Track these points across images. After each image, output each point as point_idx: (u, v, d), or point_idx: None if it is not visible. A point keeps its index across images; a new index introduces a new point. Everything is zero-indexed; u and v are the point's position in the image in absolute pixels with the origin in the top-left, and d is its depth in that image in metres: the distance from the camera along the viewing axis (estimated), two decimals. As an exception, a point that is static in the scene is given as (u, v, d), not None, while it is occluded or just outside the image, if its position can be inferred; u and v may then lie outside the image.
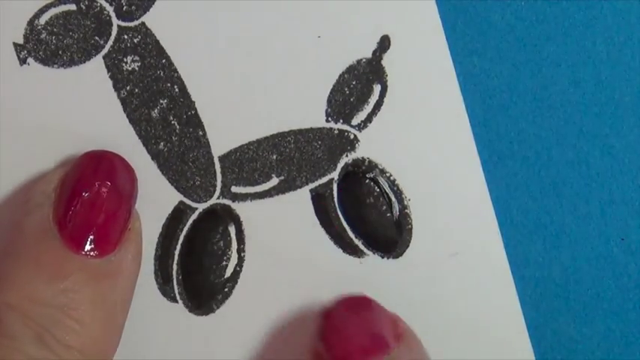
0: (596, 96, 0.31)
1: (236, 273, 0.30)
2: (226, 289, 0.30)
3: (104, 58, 0.29)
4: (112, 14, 0.29)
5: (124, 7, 0.29)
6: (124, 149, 0.29)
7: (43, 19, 0.29)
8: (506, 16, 0.31)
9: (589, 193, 0.31)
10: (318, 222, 0.30)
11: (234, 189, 0.30)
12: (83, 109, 0.29)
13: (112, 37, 0.29)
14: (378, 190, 0.30)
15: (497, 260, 0.30)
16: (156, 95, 0.29)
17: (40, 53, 0.29)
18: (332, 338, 0.28)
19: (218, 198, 0.30)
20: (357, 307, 0.29)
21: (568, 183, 0.31)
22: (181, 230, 0.30)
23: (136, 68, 0.29)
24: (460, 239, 0.30)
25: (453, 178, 0.30)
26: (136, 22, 0.29)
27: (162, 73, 0.29)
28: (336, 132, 0.30)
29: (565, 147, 0.31)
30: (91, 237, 0.26)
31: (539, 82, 0.31)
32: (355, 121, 0.30)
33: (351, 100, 0.30)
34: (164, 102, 0.29)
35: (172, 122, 0.29)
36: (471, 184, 0.30)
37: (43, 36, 0.29)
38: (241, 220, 0.30)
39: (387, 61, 0.30)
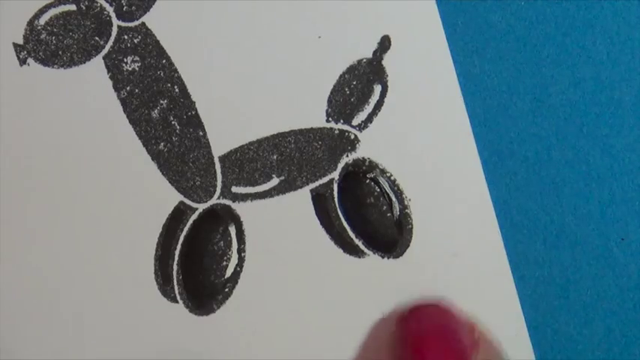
0: (596, 96, 0.31)
1: (236, 273, 0.30)
2: (226, 290, 0.30)
3: (104, 58, 0.29)
4: (112, 14, 0.29)
5: (124, 8, 0.29)
6: (124, 149, 0.29)
7: (43, 20, 0.29)
8: (506, 16, 0.31)
9: (589, 193, 0.31)
10: (318, 222, 0.30)
11: (235, 189, 0.30)
12: (83, 109, 0.29)
13: (112, 38, 0.29)
14: (378, 190, 0.30)
15: (497, 260, 0.30)
16: (156, 95, 0.29)
17: (40, 54, 0.29)
18: (415, 357, 0.27)
19: (218, 198, 0.30)
20: (435, 316, 0.28)
21: (568, 183, 0.31)
22: (181, 230, 0.30)
23: (136, 68, 0.29)
24: (460, 239, 0.30)
25: (453, 178, 0.30)
26: (136, 23, 0.29)
27: (162, 74, 0.29)
28: (336, 132, 0.30)
29: (565, 147, 0.31)
30: None
31: (539, 82, 0.31)
32: (356, 121, 0.30)
33: (352, 100, 0.30)
34: (164, 102, 0.29)
35: (172, 122, 0.29)
36: (471, 184, 0.30)
37: (42, 36, 0.29)
38: (241, 220, 0.30)
39: (387, 61, 0.30)
